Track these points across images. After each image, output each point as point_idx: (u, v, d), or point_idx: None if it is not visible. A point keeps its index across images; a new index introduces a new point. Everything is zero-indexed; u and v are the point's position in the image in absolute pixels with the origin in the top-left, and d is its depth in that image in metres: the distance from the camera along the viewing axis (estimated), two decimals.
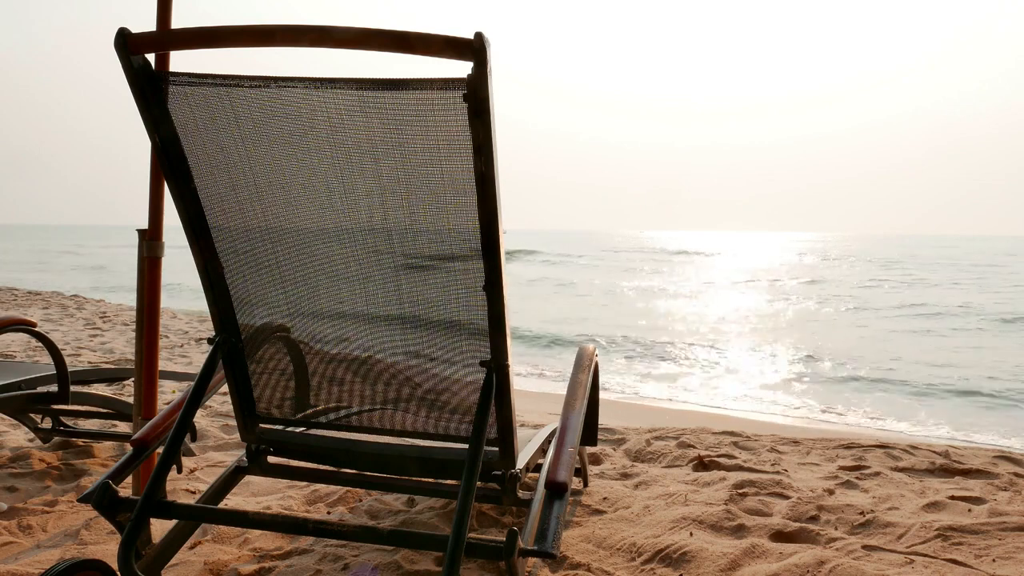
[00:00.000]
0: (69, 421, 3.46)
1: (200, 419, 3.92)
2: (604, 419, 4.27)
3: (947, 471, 3.19)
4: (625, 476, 3.08)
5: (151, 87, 1.58)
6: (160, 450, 2.25)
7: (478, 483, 1.68)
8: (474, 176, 1.52)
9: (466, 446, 1.90)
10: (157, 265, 2.33)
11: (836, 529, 2.46)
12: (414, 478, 2.13)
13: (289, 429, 2.03)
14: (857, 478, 3.07)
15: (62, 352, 3.12)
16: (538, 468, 2.21)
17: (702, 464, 3.26)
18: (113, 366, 4.60)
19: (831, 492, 2.84)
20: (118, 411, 3.21)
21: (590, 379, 2.22)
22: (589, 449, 3.41)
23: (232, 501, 2.66)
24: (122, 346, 7.22)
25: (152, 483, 1.69)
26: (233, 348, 1.90)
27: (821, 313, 15.45)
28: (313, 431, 2.04)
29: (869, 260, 38.89)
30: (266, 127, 1.59)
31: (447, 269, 1.67)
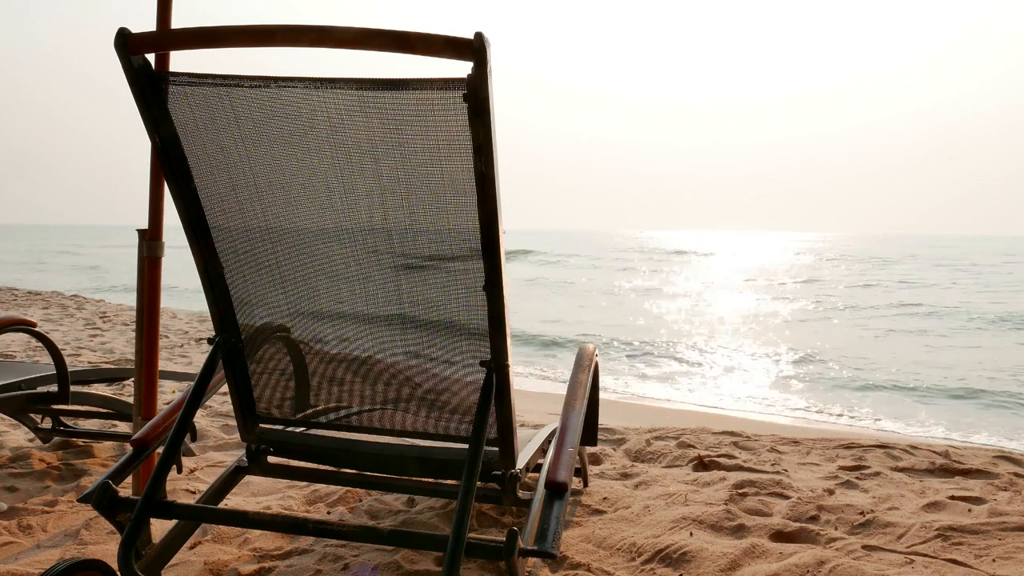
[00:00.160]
0: (69, 421, 3.46)
1: (200, 419, 3.92)
2: (604, 419, 4.27)
3: (947, 471, 3.19)
4: (625, 476, 3.08)
5: (151, 87, 1.58)
6: (160, 450, 2.24)
7: (478, 483, 1.68)
8: (474, 176, 1.52)
9: (466, 446, 1.90)
10: (157, 265, 2.33)
11: (836, 529, 2.46)
12: (414, 478, 2.13)
13: (289, 429, 2.03)
14: (857, 478, 3.07)
15: (62, 352, 3.12)
16: (538, 468, 2.21)
17: (702, 464, 3.26)
18: (113, 366, 4.60)
19: (831, 492, 2.84)
20: (118, 411, 3.21)
21: (590, 379, 2.22)
22: (589, 449, 3.41)
23: (232, 501, 2.66)
24: (122, 346, 7.22)
25: (152, 483, 1.68)
26: (233, 348, 1.90)
27: (820, 313, 15.45)
28: (313, 431, 2.04)
29: (869, 260, 38.90)
30: (266, 127, 1.59)
31: (447, 269, 1.67)
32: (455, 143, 1.51)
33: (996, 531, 2.40)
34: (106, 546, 2.23)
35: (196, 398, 1.85)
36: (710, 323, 13.56)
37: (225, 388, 4.56)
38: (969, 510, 2.64)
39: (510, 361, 1.72)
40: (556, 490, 1.72)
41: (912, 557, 2.23)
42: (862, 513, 2.56)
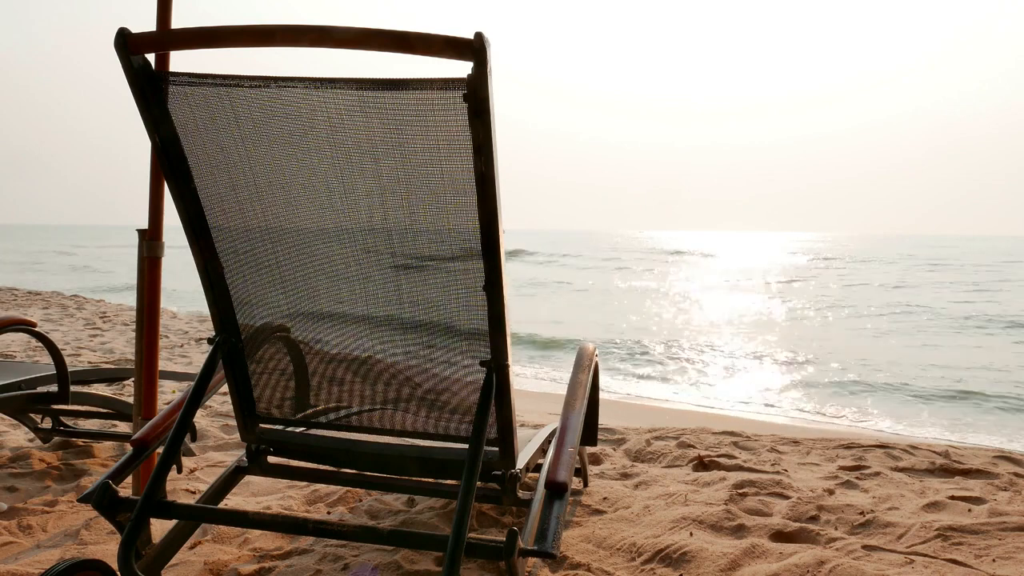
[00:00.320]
0: (69, 421, 3.46)
1: (200, 419, 3.92)
2: (604, 419, 4.27)
3: (947, 471, 3.19)
4: (625, 476, 3.08)
5: (151, 87, 1.58)
6: (160, 450, 2.24)
7: (478, 483, 1.68)
8: (474, 176, 1.52)
9: (466, 446, 1.90)
10: (157, 265, 2.33)
11: (836, 529, 2.46)
12: (414, 478, 2.13)
13: (289, 429, 2.03)
14: (857, 478, 3.07)
15: (62, 352, 3.12)
16: (538, 468, 2.21)
17: (702, 464, 3.26)
18: (113, 366, 4.60)
19: (831, 492, 2.84)
20: (118, 411, 3.21)
21: (590, 379, 2.22)
22: (589, 449, 3.41)
23: (232, 501, 2.66)
24: (122, 346, 7.22)
25: (152, 483, 1.68)
26: (233, 348, 1.90)
27: (820, 314, 15.45)
28: (313, 431, 2.04)
29: (868, 260, 38.90)
30: (266, 127, 1.59)
31: (447, 269, 1.67)
32: (455, 143, 1.51)
33: (996, 531, 2.40)
34: (106, 546, 2.23)
35: (196, 398, 1.85)
36: (709, 323, 13.56)
37: (225, 388, 4.56)
38: (969, 510, 2.64)
39: (510, 361, 1.72)
40: (556, 490, 1.72)
41: (912, 557, 2.23)
42: (862, 513, 2.56)
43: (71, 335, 8.00)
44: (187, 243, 1.75)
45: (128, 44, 1.50)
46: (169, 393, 4.65)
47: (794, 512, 2.59)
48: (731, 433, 3.84)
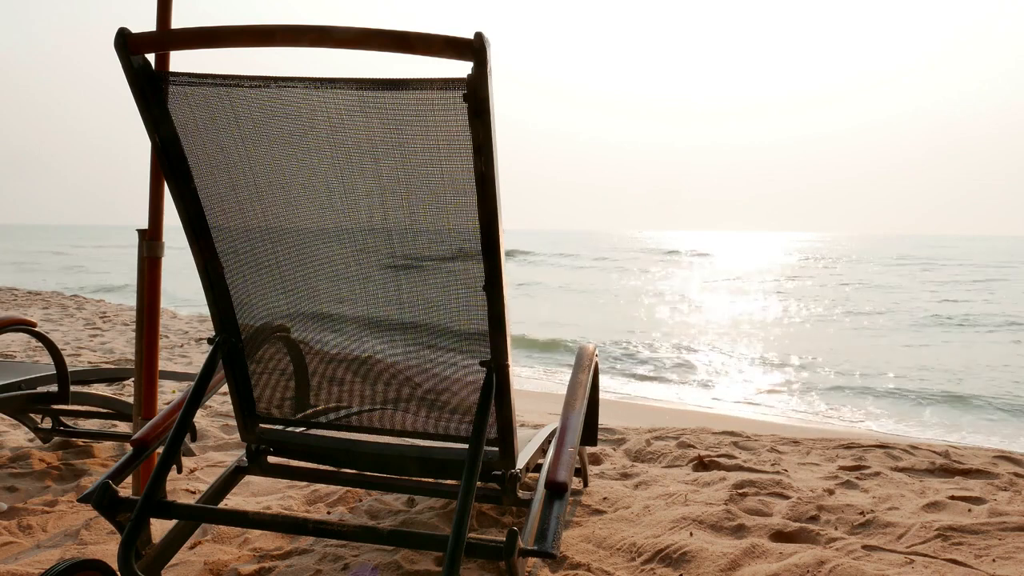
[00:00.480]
0: (69, 421, 3.46)
1: (200, 419, 3.92)
2: (604, 419, 4.27)
3: (947, 471, 3.19)
4: (625, 476, 3.08)
5: (151, 87, 1.58)
6: (160, 450, 2.24)
7: (478, 483, 1.68)
8: (474, 176, 1.52)
9: (466, 446, 1.90)
10: (157, 265, 2.33)
11: (836, 529, 2.46)
12: (414, 478, 2.13)
13: (289, 429, 2.03)
14: (857, 478, 3.07)
15: (62, 352, 3.12)
16: (538, 468, 2.21)
17: (702, 464, 3.26)
18: (113, 366, 4.60)
19: (831, 492, 2.84)
20: (118, 411, 3.21)
21: (590, 379, 2.22)
22: (589, 449, 3.41)
23: (232, 501, 2.66)
24: (122, 346, 7.22)
25: (152, 483, 1.68)
26: (233, 348, 1.90)
27: (818, 314, 15.45)
28: (313, 431, 2.04)
29: (868, 261, 38.91)
30: (266, 127, 1.59)
31: (447, 269, 1.67)
32: (455, 143, 1.51)
33: (996, 531, 2.40)
34: (106, 546, 2.23)
35: (196, 398, 1.85)
36: (708, 324, 13.56)
37: (225, 388, 4.56)
38: (969, 510, 2.64)
39: (510, 361, 1.72)
40: (556, 490, 1.72)
41: (912, 557, 2.23)
42: (862, 513, 2.56)
43: (71, 335, 8.00)
44: (187, 243, 1.75)
45: (128, 44, 1.50)
46: (169, 393, 4.65)
47: (794, 512, 2.59)
48: (731, 433, 3.84)
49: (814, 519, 2.54)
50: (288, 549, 2.23)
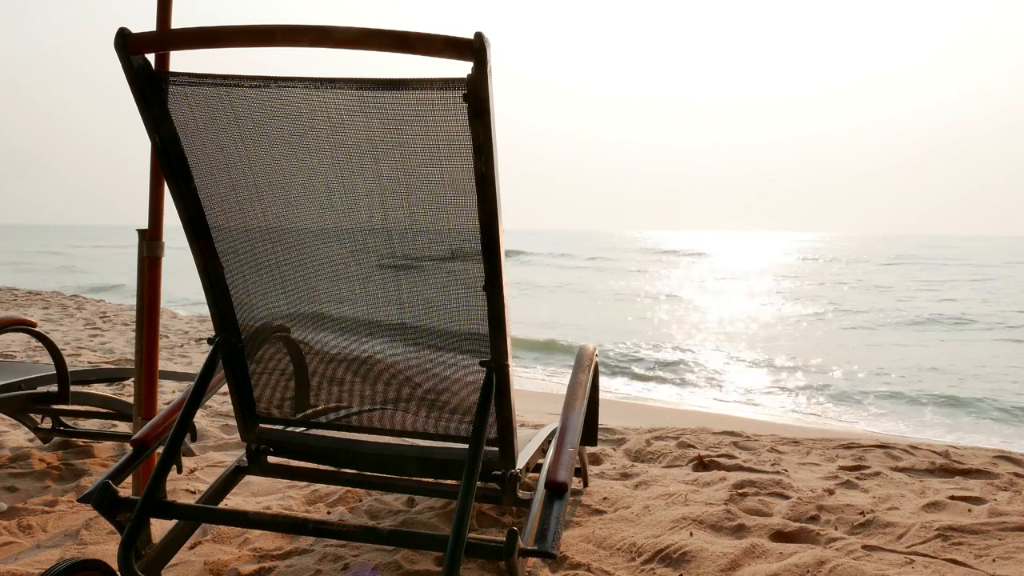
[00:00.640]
0: (69, 421, 3.46)
1: (200, 419, 3.92)
2: (604, 419, 4.27)
3: (947, 471, 3.19)
4: (625, 476, 3.08)
5: (151, 87, 1.58)
6: (160, 450, 2.25)
7: (478, 483, 1.68)
8: (474, 176, 1.52)
9: (466, 446, 1.90)
10: (157, 265, 2.33)
11: (836, 529, 2.46)
12: (414, 478, 2.13)
13: (289, 429, 2.03)
14: (857, 478, 3.07)
15: (62, 352, 3.12)
16: (538, 468, 2.22)
17: (702, 464, 3.26)
18: (113, 366, 4.60)
19: (831, 492, 2.84)
20: (118, 411, 3.21)
21: (590, 379, 2.22)
22: (589, 449, 3.41)
23: (232, 501, 2.66)
24: (122, 346, 7.22)
25: (152, 483, 1.69)
26: (233, 348, 1.90)
27: (817, 314, 15.46)
28: (313, 431, 2.04)
29: (867, 261, 38.91)
30: (266, 127, 1.59)
31: (447, 269, 1.67)
32: (455, 143, 1.51)
33: (996, 531, 2.41)
34: (106, 546, 2.23)
35: (196, 398, 1.85)
36: (707, 324, 13.56)
37: (225, 388, 4.56)
38: (969, 510, 2.64)
39: (510, 361, 1.72)
40: (556, 490, 1.72)
41: (912, 557, 2.23)
42: (862, 513, 2.56)
43: (71, 335, 8.00)
44: (187, 243, 1.75)
45: (128, 44, 1.50)
46: (169, 393, 4.65)
47: (794, 512, 2.59)
48: (731, 433, 3.84)
49: (814, 519, 2.54)
50: (288, 549, 2.23)
